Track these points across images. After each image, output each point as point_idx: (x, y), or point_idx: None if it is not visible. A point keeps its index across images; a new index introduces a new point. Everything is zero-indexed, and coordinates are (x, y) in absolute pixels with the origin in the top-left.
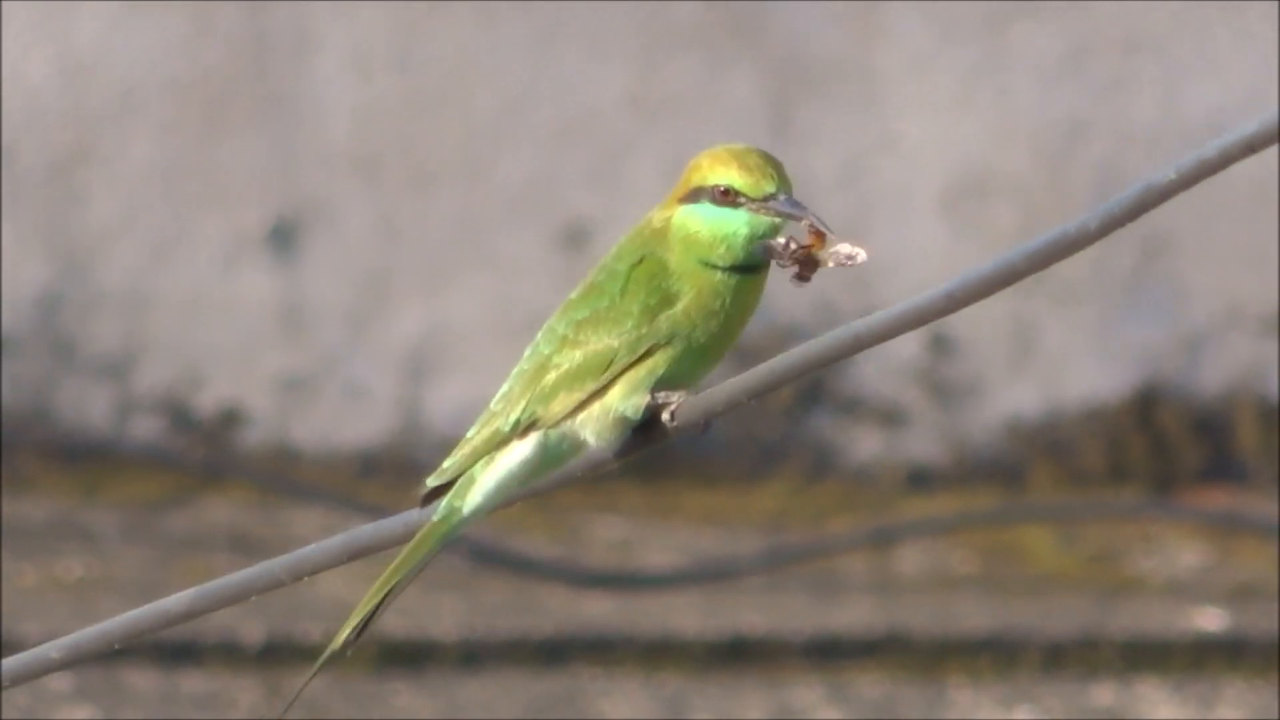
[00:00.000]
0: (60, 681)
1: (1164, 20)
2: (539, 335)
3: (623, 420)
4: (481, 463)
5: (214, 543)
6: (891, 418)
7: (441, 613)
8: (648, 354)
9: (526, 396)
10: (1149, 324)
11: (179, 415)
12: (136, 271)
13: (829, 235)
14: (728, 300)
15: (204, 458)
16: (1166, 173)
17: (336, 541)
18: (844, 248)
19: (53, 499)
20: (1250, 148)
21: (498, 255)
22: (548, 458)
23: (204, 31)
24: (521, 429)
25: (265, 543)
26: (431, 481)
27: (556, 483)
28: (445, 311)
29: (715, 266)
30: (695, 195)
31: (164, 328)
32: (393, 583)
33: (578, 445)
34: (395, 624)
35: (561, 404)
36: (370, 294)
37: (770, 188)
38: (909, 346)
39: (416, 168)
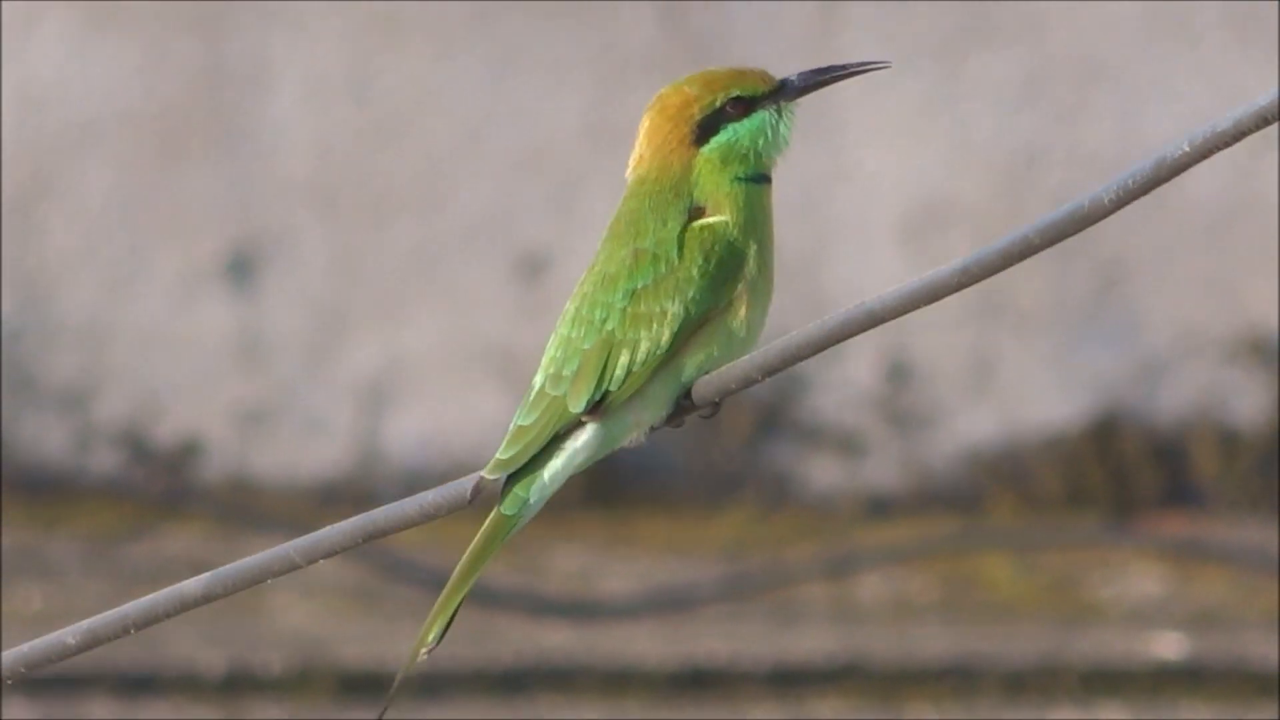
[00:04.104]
0: (22, 709)
1: (1120, 48)
2: (579, 308)
3: (674, 395)
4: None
5: (174, 574)
6: (850, 446)
7: (400, 641)
8: (704, 321)
9: (596, 375)
10: (1107, 351)
11: (138, 447)
12: (95, 304)
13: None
14: (767, 213)
15: (163, 489)
16: (1180, 144)
17: (352, 523)
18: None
19: (12, 530)
20: (1264, 119)
21: (455, 286)
22: (610, 438)
23: (160, 63)
24: (590, 409)
25: None
26: (492, 474)
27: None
28: (403, 342)
29: (752, 179)
30: (708, 126)
31: (122, 359)
32: (470, 581)
33: (636, 424)
34: (355, 653)
35: (633, 381)
36: (328, 325)
37: (773, 79)
38: (868, 374)
39: (373, 199)
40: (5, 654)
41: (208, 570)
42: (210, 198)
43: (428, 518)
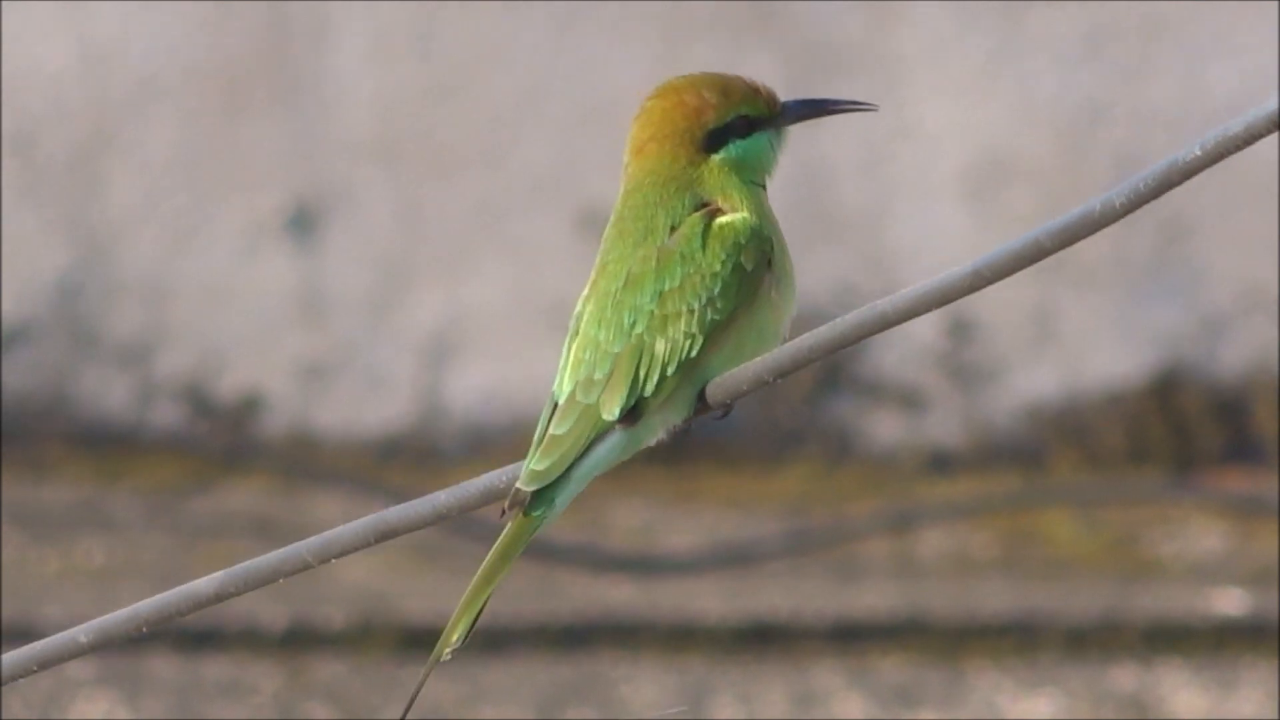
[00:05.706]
0: (83, 668)
1: (1183, 3)
2: (603, 310)
3: (692, 399)
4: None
5: (235, 528)
6: (912, 401)
7: (462, 596)
8: (733, 319)
9: (629, 381)
10: (1169, 307)
11: (200, 401)
12: (157, 258)
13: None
14: (773, 214)
15: (225, 444)
16: (1191, 149)
17: (364, 523)
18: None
19: (74, 485)
20: (1276, 124)
21: (518, 240)
22: (636, 440)
23: (224, 18)
24: (624, 416)
25: (286, 528)
26: (528, 485)
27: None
28: (465, 297)
29: (759, 185)
30: (716, 136)
31: (185, 314)
32: (495, 581)
33: (661, 424)
34: (417, 608)
35: (667, 385)
36: (390, 280)
37: (777, 103)
38: (929, 330)
39: (436, 154)
40: (17, 652)
41: (268, 525)
42: (273, 152)
43: (440, 518)
